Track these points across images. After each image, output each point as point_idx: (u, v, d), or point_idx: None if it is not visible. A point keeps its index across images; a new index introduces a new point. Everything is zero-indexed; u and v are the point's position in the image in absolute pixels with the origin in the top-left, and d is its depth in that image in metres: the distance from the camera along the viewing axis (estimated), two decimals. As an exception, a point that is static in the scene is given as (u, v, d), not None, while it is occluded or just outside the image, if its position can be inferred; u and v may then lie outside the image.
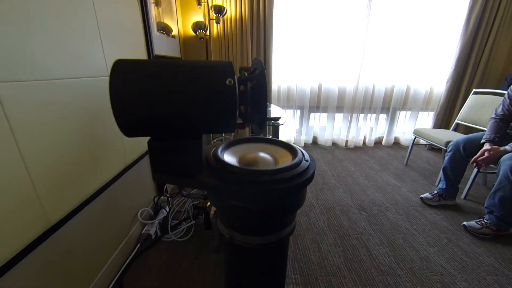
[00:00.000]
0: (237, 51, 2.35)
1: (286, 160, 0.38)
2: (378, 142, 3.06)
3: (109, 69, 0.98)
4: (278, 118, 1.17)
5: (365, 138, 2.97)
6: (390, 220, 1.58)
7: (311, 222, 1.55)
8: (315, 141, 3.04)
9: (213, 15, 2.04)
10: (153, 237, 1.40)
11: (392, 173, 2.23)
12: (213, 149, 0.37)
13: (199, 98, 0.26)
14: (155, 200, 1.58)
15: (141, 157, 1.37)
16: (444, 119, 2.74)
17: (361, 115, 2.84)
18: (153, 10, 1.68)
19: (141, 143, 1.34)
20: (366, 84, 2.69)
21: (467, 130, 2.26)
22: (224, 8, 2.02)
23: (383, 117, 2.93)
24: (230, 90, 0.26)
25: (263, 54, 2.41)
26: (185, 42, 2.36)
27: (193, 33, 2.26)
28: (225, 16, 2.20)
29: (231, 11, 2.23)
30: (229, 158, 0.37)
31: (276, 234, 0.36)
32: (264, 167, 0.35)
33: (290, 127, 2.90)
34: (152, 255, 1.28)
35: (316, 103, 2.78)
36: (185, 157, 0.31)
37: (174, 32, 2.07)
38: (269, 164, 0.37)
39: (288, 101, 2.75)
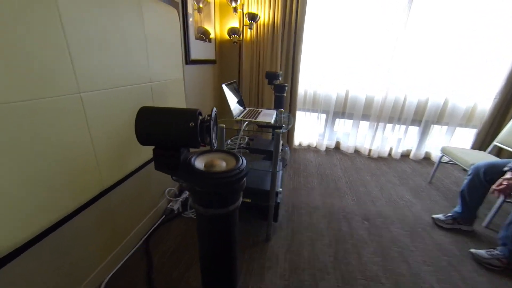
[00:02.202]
0: (267, 55, 2.51)
1: (232, 165, 0.57)
2: (405, 155, 2.94)
3: (151, 77, 1.25)
4: (280, 127, 1.32)
5: (391, 149, 2.89)
6: (391, 233, 1.61)
7: (312, 222, 1.68)
8: (337, 146, 3.07)
9: (247, 21, 2.23)
10: (175, 212, 1.71)
11: (410, 189, 2.19)
12: (190, 156, 0.57)
13: (174, 132, 0.47)
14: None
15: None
16: (486, 140, 2.51)
17: (389, 125, 2.77)
18: (195, 16, 1.94)
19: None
20: (396, 94, 2.62)
21: (507, 154, 2.07)
22: (257, 15, 2.19)
23: (414, 129, 2.80)
24: (191, 129, 0.45)
25: (292, 58, 2.53)
26: (221, 46, 2.61)
27: (228, 37, 2.49)
28: (257, 22, 2.37)
29: (264, 17, 2.39)
30: (199, 161, 0.57)
31: (224, 208, 0.57)
32: (212, 170, 0.54)
33: (313, 131, 2.97)
34: (173, 225, 1.58)
35: (342, 109, 2.80)
36: (170, 159, 0.51)
37: (212, 35, 2.33)
38: (221, 167, 0.56)
39: (314, 105, 2.82)
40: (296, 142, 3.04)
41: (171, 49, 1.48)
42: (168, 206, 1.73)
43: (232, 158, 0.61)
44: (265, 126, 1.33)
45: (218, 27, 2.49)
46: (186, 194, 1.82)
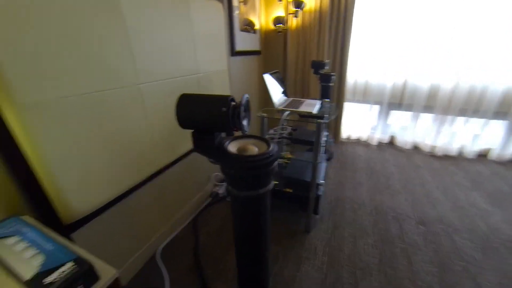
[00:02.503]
0: (313, 43, 2.39)
1: (263, 150, 0.57)
2: (483, 155, 2.45)
3: (198, 69, 1.34)
4: (321, 117, 1.25)
5: (462, 147, 2.45)
6: (454, 243, 1.39)
7: (355, 218, 1.57)
8: (392, 141, 2.76)
9: (292, 9, 2.16)
10: (220, 196, 1.83)
11: (486, 195, 1.83)
12: (225, 141, 0.60)
13: (208, 117, 0.50)
14: (225, 169, 2.00)
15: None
16: None
17: (460, 118, 2.34)
18: (241, 8, 1.98)
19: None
20: (472, 81, 2.17)
21: None
22: (302, 2, 2.09)
23: (497, 123, 2.30)
24: (223, 113, 0.47)
25: (340, 45, 2.35)
26: (266, 36, 2.60)
27: (273, 27, 2.46)
28: (303, 10, 2.27)
29: (310, 4, 2.27)
30: (232, 145, 0.59)
31: (255, 191, 0.59)
32: (244, 154, 0.56)
33: (364, 123, 2.74)
34: (218, 208, 1.69)
35: (399, 100, 2.49)
36: (206, 142, 0.55)
37: (257, 26, 2.34)
38: (253, 151, 0.57)
39: (365, 96, 2.59)
40: (344, 135, 2.85)
41: (216, 42, 1.56)
42: (214, 189, 1.86)
43: (264, 143, 0.62)
44: (307, 116, 1.29)
45: (263, 17, 2.48)
46: (229, 180, 1.93)
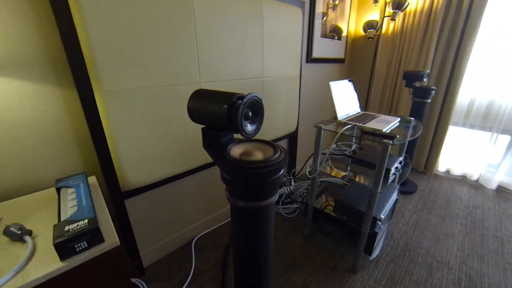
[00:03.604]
0: (414, 50, 1.97)
1: (270, 153, 0.52)
2: None
3: (263, 73, 1.36)
4: (390, 137, 0.98)
5: None
6: None
7: (430, 280, 1.17)
8: (527, 190, 1.90)
9: (389, 11, 1.86)
10: (268, 203, 1.79)
11: None
12: (233, 142, 0.55)
13: (211, 113, 0.47)
14: (279, 177, 1.94)
15: (276, 141, 1.74)
16: None
17: None
18: (329, 14, 1.88)
19: (275, 132, 1.69)
20: None
21: None
22: (405, 2, 1.75)
23: None
24: (223, 111, 0.44)
25: (453, 54, 1.82)
26: (353, 43, 2.35)
27: (362, 33, 2.19)
28: (404, 11, 1.90)
29: (417, 3, 1.87)
30: (237, 147, 0.54)
31: (257, 202, 0.52)
32: (244, 158, 0.49)
33: (479, 156, 2.02)
34: (261, 214, 1.67)
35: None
36: (212, 140, 0.53)
37: (344, 33, 2.15)
38: (256, 157, 0.50)
39: (486, 121, 1.91)
40: (442, 167, 2.21)
41: (289, 47, 1.53)
42: (264, 196, 1.84)
43: (271, 150, 0.54)
44: (371, 133, 1.06)
45: (353, 22, 2.26)
46: (283, 189, 1.86)
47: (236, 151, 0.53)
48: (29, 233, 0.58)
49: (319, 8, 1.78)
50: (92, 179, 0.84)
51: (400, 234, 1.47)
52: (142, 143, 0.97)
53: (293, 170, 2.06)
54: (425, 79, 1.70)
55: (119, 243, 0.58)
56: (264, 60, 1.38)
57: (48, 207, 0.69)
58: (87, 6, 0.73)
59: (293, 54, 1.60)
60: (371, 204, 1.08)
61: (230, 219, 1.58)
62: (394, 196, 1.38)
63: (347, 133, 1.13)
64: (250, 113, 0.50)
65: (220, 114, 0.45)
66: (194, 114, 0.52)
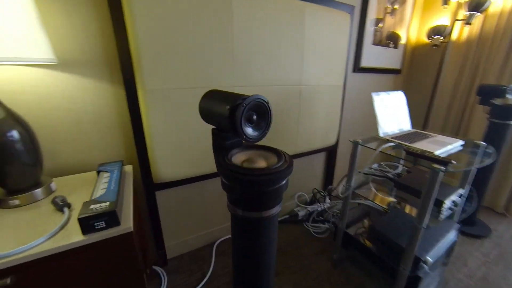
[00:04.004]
0: (496, 61, 1.62)
1: (273, 161, 0.49)
2: None
3: (302, 81, 1.31)
4: (443, 162, 0.80)
5: None
6: None
7: None
8: None
9: (464, 14, 1.58)
10: (299, 218, 1.70)
11: None
12: (235, 148, 0.54)
13: (218, 113, 0.47)
14: (314, 191, 1.83)
15: (312, 152, 1.65)
16: None
17: None
18: (386, 20, 1.73)
19: (312, 143, 1.60)
20: None
21: None
22: (484, 2, 1.47)
23: None
24: (225, 112, 0.43)
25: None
26: (414, 51, 2.08)
27: (425, 41, 1.92)
28: (483, 13, 1.59)
29: (505, 2, 1.54)
30: (242, 153, 0.52)
31: (256, 213, 0.50)
32: (245, 165, 0.47)
33: None
34: (290, 229, 1.59)
35: None
36: (219, 142, 0.52)
37: (403, 41, 1.93)
38: (257, 164, 0.47)
39: None
40: (530, 209, 1.73)
41: (333, 55, 1.45)
42: (294, 209, 1.76)
43: (275, 159, 0.50)
44: (417, 155, 0.89)
45: (415, 28, 2.01)
46: (316, 206, 1.74)
47: (239, 156, 0.51)
48: (68, 205, 0.67)
49: (373, 13, 1.65)
50: (129, 168, 0.95)
51: (457, 284, 1.19)
52: (174, 140, 1.04)
53: (330, 186, 1.91)
54: (509, 96, 1.38)
55: (132, 229, 0.62)
56: (304, 67, 1.34)
57: (89, 186, 0.80)
58: (139, 18, 0.84)
59: (337, 62, 1.51)
60: (413, 240, 0.91)
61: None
62: (452, 236, 1.14)
63: (387, 152, 0.99)
64: (254, 117, 0.48)
65: (224, 115, 0.45)
66: (204, 113, 0.53)
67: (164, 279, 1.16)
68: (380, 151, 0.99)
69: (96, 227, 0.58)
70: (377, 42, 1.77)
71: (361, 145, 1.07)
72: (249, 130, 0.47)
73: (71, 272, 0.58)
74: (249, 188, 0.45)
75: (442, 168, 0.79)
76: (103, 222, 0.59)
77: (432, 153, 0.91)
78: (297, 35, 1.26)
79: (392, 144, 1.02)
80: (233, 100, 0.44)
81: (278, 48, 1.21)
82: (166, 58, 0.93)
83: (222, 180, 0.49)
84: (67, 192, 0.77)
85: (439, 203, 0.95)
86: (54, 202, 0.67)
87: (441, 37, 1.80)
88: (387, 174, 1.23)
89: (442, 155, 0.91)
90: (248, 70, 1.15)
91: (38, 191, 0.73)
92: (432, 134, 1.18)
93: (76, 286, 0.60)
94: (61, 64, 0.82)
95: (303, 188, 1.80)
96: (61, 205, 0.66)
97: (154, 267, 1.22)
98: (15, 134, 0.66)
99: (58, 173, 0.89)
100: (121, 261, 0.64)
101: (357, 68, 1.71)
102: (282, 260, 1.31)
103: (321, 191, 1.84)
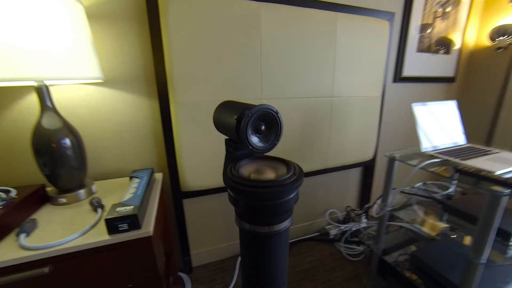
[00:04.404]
0: None
1: (282, 173, 0.48)
2: None
3: (333, 92, 1.25)
4: (507, 184, 0.64)
5: None
6: None
7: None
8: None
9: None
10: (330, 236, 1.58)
11: None
12: (243, 161, 0.52)
13: (226, 123, 0.47)
14: (348, 209, 1.68)
15: (346, 167, 1.54)
16: None
17: None
18: (436, 26, 1.58)
19: (345, 157, 1.49)
20: None
21: None
22: None
23: None
24: (233, 122, 0.42)
25: None
26: (471, 56, 1.82)
27: (487, 44, 1.66)
28: None
29: None
30: (251, 165, 0.50)
31: (265, 227, 0.47)
32: (252, 176, 0.45)
33: None
34: (320, 248, 1.48)
35: None
36: (229, 152, 0.52)
37: (457, 46, 1.71)
38: (269, 175, 0.45)
39: None
40: None
41: (369, 65, 1.36)
42: (326, 227, 1.64)
43: (284, 171, 0.46)
44: (470, 174, 0.74)
45: (473, 30, 1.76)
46: (350, 225, 1.60)
47: (247, 167, 0.50)
48: (102, 207, 0.75)
49: (418, 19, 1.51)
50: (159, 176, 1.01)
51: None
52: (202, 150, 1.08)
53: (367, 205, 1.74)
54: None
55: (151, 234, 0.65)
56: (335, 78, 1.29)
57: (122, 190, 0.88)
58: (175, 44, 0.93)
59: (374, 73, 1.40)
60: (468, 277, 0.75)
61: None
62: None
63: (430, 169, 0.86)
64: (263, 127, 0.47)
65: (232, 125, 0.45)
66: (216, 124, 0.54)
67: (189, 286, 1.18)
68: (423, 169, 0.87)
69: (120, 229, 0.63)
70: (424, 49, 1.60)
71: (398, 160, 0.95)
72: (255, 140, 0.46)
73: (97, 269, 0.63)
74: (254, 201, 0.43)
75: (505, 192, 0.64)
76: (126, 224, 0.63)
77: (491, 172, 0.76)
78: (328, 46, 1.22)
79: (437, 160, 0.89)
80: (241, 110, 0.43)
81: (308, 60, 1.19)
82: (196, 75, 0.99)
83: (228, 192, 0.48)
84: (104, 194, 0.85)
85: (506, 236, 0.78)
86: (91, 203, 0.75)
87: (507, 38, 1.54)
88: (434, 195, 1.07)
89: (504, 176, 0.75)
90: (276, 82, 1.15)
91: (82, 192, 0.82)
92: (495, 150, 0.99)
93: (99, 283, 0.65)
94: (109, 82, 0.95)
95: (336, 205, 1.68)
96: (96, 206, 0.73)
97: (179, 273, 1.25)
98: (67, 142, 0.77)
99: (99, 177, 1.01)
100: (141, 265, 0.67)
101: (399, 77, 1.57)
102: (308, 283, 1.22)
103: (356, 209, 1.69)
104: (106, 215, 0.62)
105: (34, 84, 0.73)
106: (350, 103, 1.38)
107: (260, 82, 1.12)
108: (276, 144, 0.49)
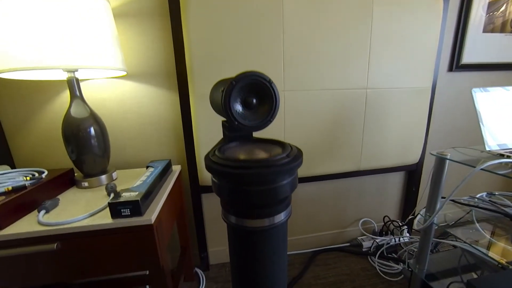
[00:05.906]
0: None
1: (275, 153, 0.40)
2: None
3: (368, 84, 1.10)
4: None
5: None
6: None
7: None
8: None
9: None
10: (363, 249, 1.39)
11: None
12: (231, 143, 0.44)
13: (215, 98, 0.40)
14: (385, 220, 1.46)
15: (384, 171, 1.34)
16: None
17: None
18: (510, 5, 1.29)
19: (382, 159, 1.29)
20: None
21: None
22: None
23: None
24: (220, 94, 0.36)
25: None
26: None
27: None
28: None
29: None
30: (237, 148, 0.43)
31: (258, 220, 0.40)
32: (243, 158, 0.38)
33: None
34: (349, 260, 1.32)
35: None
36: (224, 129, 0.46)
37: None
38: (260, 156, 0.37)
39: None
40: None
41: (414, 51, 1.16)
42: (358, 237, 1.45)
43: (280, 152, 0.38)
44: None
45: None
46: (387, 238, 1.39)
47: (237, 150, 0.43)
48: (115, 192, 0.77)
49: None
50: (176, 168, 1.02)
51: None
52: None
53: (411, 216, 1.48)
54: None
55: (152, 222, 0.64)
56: (370, 67, 1.13)
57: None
58: (195, 41, 0.93)
59: (422, 60, 1.19)
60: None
61: (310, 250, 1.38)
62: None
63: (498, 172, 0.66)
64: (254, 100, 0.39)
65: (219, 100, 0.39)
66: (212, 103, 0.49)
67: (203, 283, 1.16)
68: (487, 171, 0.67)
69: (123, 214, 0.63)
70: (495, 30, 1.30)
71: (449, 160, 0.77)
72: (241, 114, 0.39)
73: (100, 251, 0.64)
74: (237, 186, 0.36)
75: None
76: (128, 210, 0.63)
77: None
78: (362, 28, 1.07)
79: (509, 160, 0.68)
80: (225, 83, 0.37)
81: (338, 48, 1.07)
82: (216, 66, 0.97)
83: (212, 179, 0.42)
84: (123, 181, 0.89)
85: None
86: (106, 187, 0.78)
87: None
88: (503, 208, 0.83)
89: None
90: (300, 72, 1.06)
91: (103, 177, 0.87)
92: None
93: (102, 265, 0.65)
94: (133, 75, 0.99)
95: (371, 214, 1.47)
96: (109, 191, 0.76)
97: (196, 269, 1.24)
98: (92, 130, 0.82)
99: (123, 166, 1.06)
100: (142, 253, 0.66)
101: (457, 65, 1.30)
102: (332, 298, 1.07)
103: (396, 221, 1.45)
104: (111, 199, 0.63)
105: (65, 77, 0.80)
106: (389, 96, 1.19)
107: (282, 71, 1.04)
108: (270, 121, 0.41)
